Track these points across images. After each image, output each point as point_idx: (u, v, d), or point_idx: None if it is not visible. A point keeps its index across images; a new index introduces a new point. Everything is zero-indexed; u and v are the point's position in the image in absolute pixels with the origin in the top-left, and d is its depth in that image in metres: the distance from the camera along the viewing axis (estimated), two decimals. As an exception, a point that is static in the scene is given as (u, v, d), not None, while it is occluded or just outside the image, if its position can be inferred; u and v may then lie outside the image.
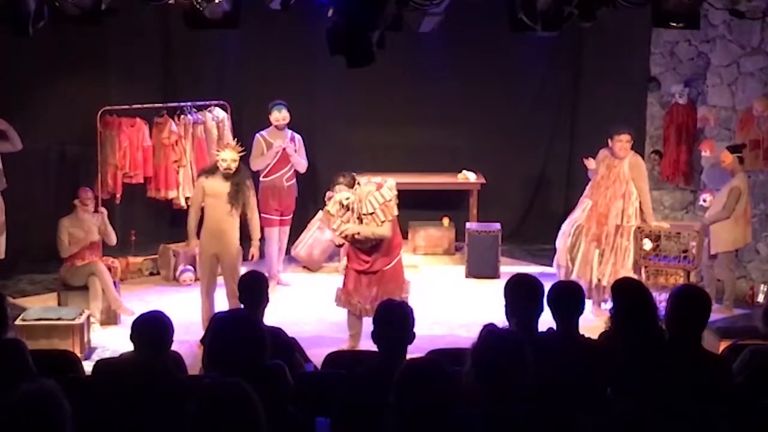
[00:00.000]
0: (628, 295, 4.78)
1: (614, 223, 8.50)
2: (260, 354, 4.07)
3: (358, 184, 7.48)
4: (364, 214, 7.40)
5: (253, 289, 5.59)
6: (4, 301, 5.00)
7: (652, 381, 3.97)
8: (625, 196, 8.48)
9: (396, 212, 7.50)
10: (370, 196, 7.40)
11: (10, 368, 4.45)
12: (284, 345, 5.33)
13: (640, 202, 8.52)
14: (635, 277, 8.19)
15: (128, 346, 4.57)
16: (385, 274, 7.58)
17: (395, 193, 7.51)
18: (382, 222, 7.41)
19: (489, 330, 3.56)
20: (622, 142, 8.46)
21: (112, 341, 7.77)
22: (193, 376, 5.16)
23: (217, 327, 4.17)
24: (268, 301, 5.58)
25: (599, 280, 8.50)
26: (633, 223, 8.47)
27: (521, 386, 3.35)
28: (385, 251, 7.54)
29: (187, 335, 7.18)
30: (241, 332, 4.06)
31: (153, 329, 4.40)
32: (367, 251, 7.51)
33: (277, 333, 5.36)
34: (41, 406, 2.96)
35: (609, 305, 7.23)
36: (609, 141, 8.56)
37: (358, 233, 7.39)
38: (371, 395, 3.84)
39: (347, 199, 7.40)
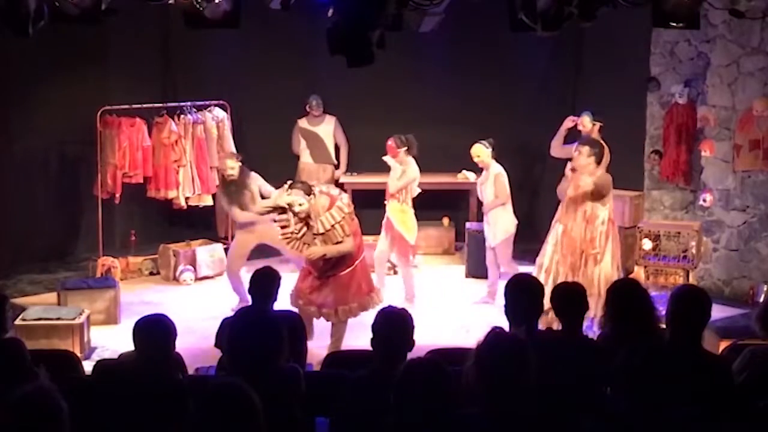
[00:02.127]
0: (623, 297, 4.76)
1: (580, 250, 7.86)
2: (279, 356, 4.10)
3: (314, 194, 7.34)
4: (316, 234, 7.30)
5: (264, 285, 5.66)
6: (5, 303, 5.00)
7: (652, 382, 3.96)
8: (589, 220, 7.85)
9: (353, 223, 7.43)
10: (322, 217, 7.27)
11: (8, 368, 4.45)
12: (296, 330, 5.47)
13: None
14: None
15: (128, 346, 4.57)
16: (339, 279, 7.48)
17: (348, 209, 7.38)
18: (344, 237, 7.31)
19: (496, 332, 3.56)
20: (582, 154, 7.91)
21: (112, 341, 7.76)
22: (192, 377, 5.17)
23: (239, 327, 4.19)
24: (276, 298, 5.65)
25: None
26: (597, 249, 7.78)
27: (522, 390, 3.35)
28: (339, 257, 7.43)
29: (188, 335, 7.18)
30: (262, 333, 4.09)
31: (155, 333, 4.39)
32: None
33: (291, 317, 5.57)
34: (39, 406, 2.97)
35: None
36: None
37: (325, 255, 7.32)
38: (370, 400, 3.84)
39: (300, 205, 7.24)
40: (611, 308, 4.80)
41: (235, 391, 3.14)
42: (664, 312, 4.42)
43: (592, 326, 7.09)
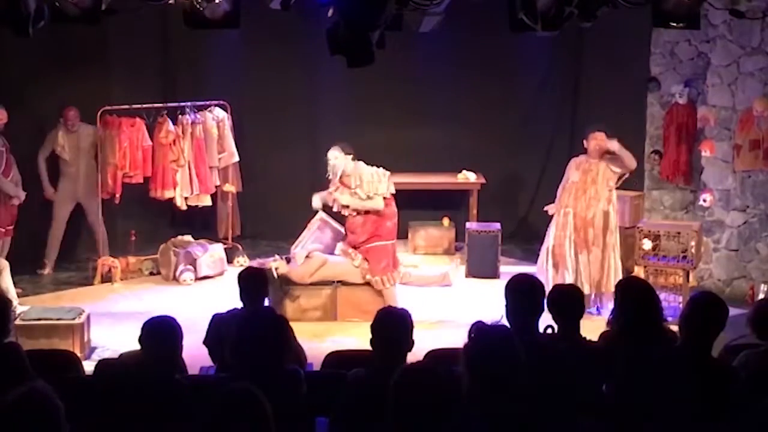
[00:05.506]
0: (634, 296, 4.73)
1: (600, 224, 8.52)
2: (283, 357, 4.12)
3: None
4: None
5: (255, 285, 5.67)
6: (8, 308, 5.00)
7: (656, 384, 3.96)
8: (602, 200, 8.51)
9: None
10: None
11: (7, 372, 4.44)
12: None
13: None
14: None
15: (128, 347, 4.57)
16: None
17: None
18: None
19: (478, 327, 3.58)
20: (597, 140, 8.48)
21: (112, 341, 7.76)
22: (193, 377, 5.16)
23: (243, 329, 4.20)
24: (267, 295, 5.65)
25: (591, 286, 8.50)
26: (615, 224, 8.60)
27: (514, 379, 3.36)
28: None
29: (188, 335, 7.15)
30: (269, 334, 4.11)
31: (162, 335, 4.40)
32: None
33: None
34: (34, 407, 2.97)
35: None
36: (584, 142, 8.64)
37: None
38: (369, 400, 3.84)
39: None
40: (618, 306, 4.75)
41: (246, 397, 3.14)
42: (672, 313, 4.42)
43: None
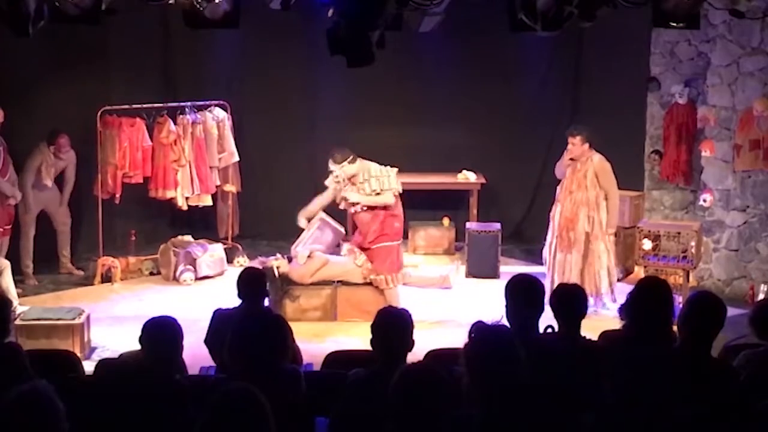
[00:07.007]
0: (654, 295, 4.63)
1: (583, 230, 8.45)
2: (283, 356, 4.12)
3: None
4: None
5: (254, 285, 5.69)
6: (8, 306, 5.00)
7: (656, 384, 3.96)
8: (590, 205, 8.43)
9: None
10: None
11: (6, 372, 4.44)
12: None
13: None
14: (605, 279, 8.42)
15: (128, 347, 4.57)
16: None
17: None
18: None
19: (478, 327, 3.58)
20: (570, 144, 8.47)
21: (112, 341, 7.76)
22: (193, 377, 5.17)
23: (243, 328, 4.20)
24: (267, 295, 5.67)
25: None
26: (604, 230, 8.49)
27: (514, 379, 3.36)
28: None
29: (188, 335, 7.15)
30: (267, 334, 4.10)
31: (162, 335, 4.40)
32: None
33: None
34: (35, 406, 2.97)
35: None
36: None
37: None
38: (368, 400, 3.84)
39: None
40: (635, 302, 4.68)
41: (246, 397, 3.14)
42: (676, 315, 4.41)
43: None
